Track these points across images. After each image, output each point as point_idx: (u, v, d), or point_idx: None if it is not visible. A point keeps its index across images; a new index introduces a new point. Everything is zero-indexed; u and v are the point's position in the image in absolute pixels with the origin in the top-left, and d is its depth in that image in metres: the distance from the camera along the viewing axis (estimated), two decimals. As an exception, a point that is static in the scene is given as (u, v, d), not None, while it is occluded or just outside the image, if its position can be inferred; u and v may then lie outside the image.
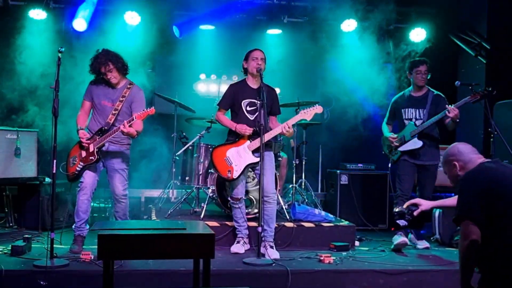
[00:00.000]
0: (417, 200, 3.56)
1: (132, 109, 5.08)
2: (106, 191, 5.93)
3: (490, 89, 5.24)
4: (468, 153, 3.22)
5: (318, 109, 5.22)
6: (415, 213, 3.37)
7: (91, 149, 5.01)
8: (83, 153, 5.05)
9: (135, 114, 4.85)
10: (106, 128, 5.04)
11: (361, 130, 7.84)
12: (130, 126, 4.83)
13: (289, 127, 5.09)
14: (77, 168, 5.06)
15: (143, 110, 4.84)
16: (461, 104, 5.34)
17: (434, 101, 5.68)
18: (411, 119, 5.74)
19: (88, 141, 5.00)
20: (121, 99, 5.09)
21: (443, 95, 5.76)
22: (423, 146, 5.63)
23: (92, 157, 5.01)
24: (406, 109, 5.79)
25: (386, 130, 5.99)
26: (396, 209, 3.54)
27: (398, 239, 5.57)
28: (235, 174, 5.15)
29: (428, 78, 5.77)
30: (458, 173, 3.19)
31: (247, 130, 5.12)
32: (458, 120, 5.37)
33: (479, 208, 2.87)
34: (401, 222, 3.45)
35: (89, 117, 5.24)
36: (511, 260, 2.81)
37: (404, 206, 3.47)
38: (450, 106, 5.36)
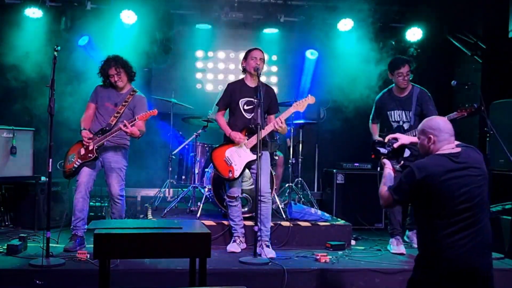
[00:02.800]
0: (397, 135, 3.75)
1: (135, 113, 5.18)
2: (103, 190, 5.92)
3: (477, 105, 5.04)
4: (445, 133, 3.19)
5: (310, 99, 5.19)
6: (395, 145, 3.59)
7: (90, 147, 5.07)
8: (82, 151, 5.10)
9: (137, 115, 4.98)
10: (107, 128, 5.10)
11: (357, 129, 7.83)
12: (132, 125, 4.93)
13: (281, 122, 5.07)
14: (75, 165, 5.10)
15: (146, 112, 4.98)
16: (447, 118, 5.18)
17: (419, 100, 5.47)
18: (398, 122, 5.59)
19: (89, 140, 5.06)
20: (124, 103, 5.20)
21: (426, 91, 5.54)
22: (411, 155, 5.51)
23: (91, 154, 5.06)
24: (392, 112, 5.59)
25: (373, 132, 5.82)
26: (376, 139, 3.74)
27: (395, 248, 5.49)
28: (236, 174, 5.15)
29: (411, 78, 5.51)
30: (429, 147, 3.22)
31: (240, 139, 5.13)
32: None
33: (409, 198, 3.19)
34: (382, 150, 3.62)
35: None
36: (444, 251, 3.01)
37: (386, 140, 3.67)
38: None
